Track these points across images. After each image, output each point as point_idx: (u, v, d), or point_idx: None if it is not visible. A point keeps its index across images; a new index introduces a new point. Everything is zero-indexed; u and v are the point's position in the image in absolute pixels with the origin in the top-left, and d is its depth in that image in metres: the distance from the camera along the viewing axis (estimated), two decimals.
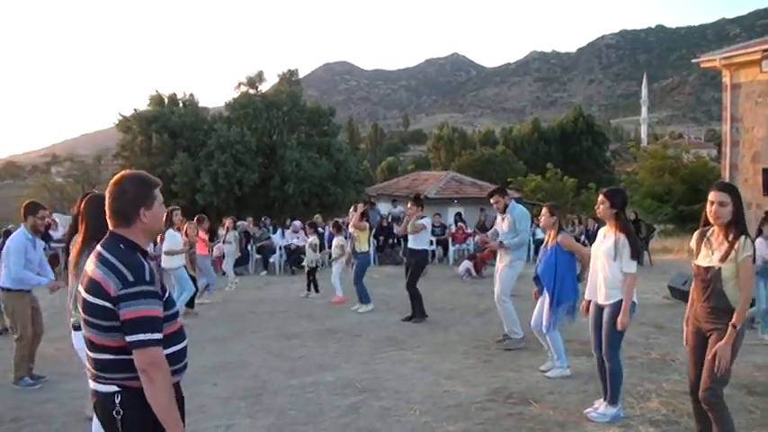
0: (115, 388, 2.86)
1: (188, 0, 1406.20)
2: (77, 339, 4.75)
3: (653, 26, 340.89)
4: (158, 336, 2.80)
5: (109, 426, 2.91)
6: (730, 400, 6.14)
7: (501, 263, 8.58)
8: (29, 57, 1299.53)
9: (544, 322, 7.05)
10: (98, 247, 2.98)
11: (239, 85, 37.39)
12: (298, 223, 19.08)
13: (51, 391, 6.81)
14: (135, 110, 34.71)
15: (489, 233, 9.22)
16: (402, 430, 5.59)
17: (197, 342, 7.63)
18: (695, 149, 34.87)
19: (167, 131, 32.84)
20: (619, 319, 5.56)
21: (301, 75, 40.70)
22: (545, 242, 7.30)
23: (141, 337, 2.75)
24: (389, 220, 20.47)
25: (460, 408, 6.11)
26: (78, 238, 4.81)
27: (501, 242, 8.58)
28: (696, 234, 4.69)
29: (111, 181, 3.05)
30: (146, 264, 2.91)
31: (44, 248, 17.07)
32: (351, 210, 12.20)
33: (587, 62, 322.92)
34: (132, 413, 2.85)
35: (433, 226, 20.88)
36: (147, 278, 2.86)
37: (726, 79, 19.86)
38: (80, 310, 2.93)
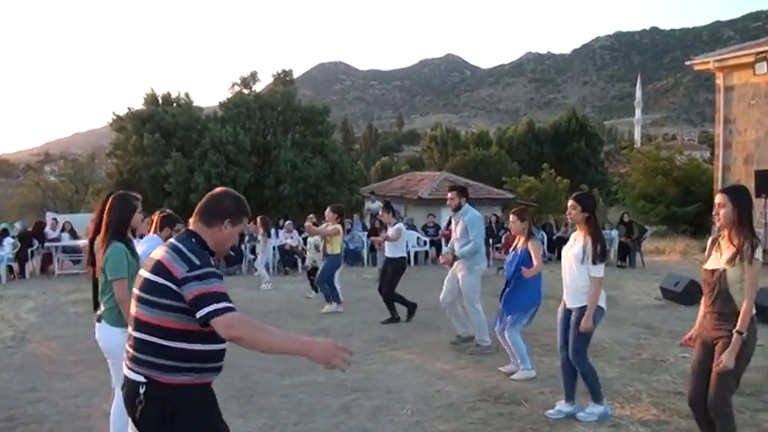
0: (142, 378, 2.96)
1: (183, 0, 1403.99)
2: (98, 330, 4.90)
3: (647, 28, 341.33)
4: (230, 304, 2.87)
5: (132, 411, 3.02)
6: None
7: (460, 271, 8.44)
8: (22, 55, 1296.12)
9: (506, 326, 7.14)
10: (171, 240, 3.17)
11: (233, 85, 37.39)
12: (290, 223, 19.09)
13: (44, 391, 6.80)
14: (129, 109, 34.67)
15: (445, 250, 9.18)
16: (394, 430, 5.62)
17: None
18: (689, 151, 34.96)
19: (161, 131, 32.79)
20: (582, 322, 5.57)
21: (296, 74, 40.71)
22: (513, 246, 7.35)
23: (213, 306, 2.83)
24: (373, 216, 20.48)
25: (452, 407, 6.14)
26: (101, 234, 4.89)
27: (455, 255, 8.52)
28: (709, 242, 4.68)
29: (220, 189, 3.35)
30: (211, 258, 3.09)
31: (36, 248, 17.20)
32: (327, 211, 11.71)
33: (582, 63, 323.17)
34: (153, 406, 2.93)
35: (427, 226, 20.97)
36: (213, 264, 3.02)
37: (719, 81, 19.96)
38: (135, 289, 3.08)
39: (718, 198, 4.50)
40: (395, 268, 10.47)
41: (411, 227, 19.27)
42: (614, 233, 18.60)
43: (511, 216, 7.39)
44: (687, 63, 21.89)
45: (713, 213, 4.58)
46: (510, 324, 7.13)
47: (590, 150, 58.80)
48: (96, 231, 5.62)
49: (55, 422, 5.90)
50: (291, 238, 18.24)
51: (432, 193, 28.74)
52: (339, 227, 11.41)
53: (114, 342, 4.78)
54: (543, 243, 19.85)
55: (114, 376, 4.91)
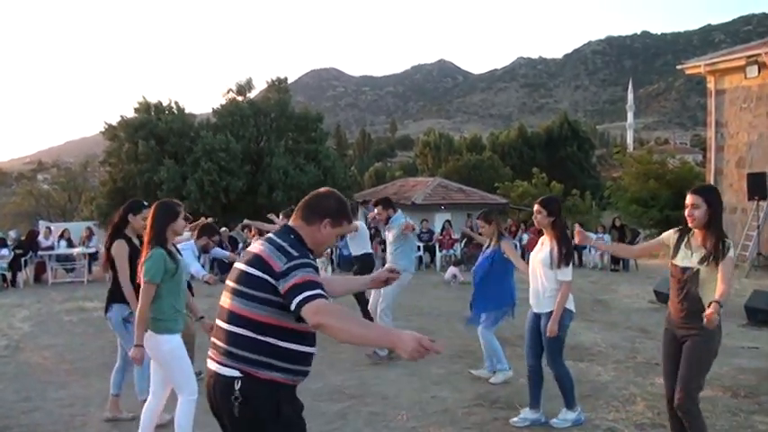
0: (237, 373, 2.93)
1: (174, 7, 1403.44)
2: (144, 339, 4.83)
3: (638, 32, 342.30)
4: (321, 291, 2.86)
5: (226, 409, 2.98)
6: (714, 402, 6.22)
7: None
8: (14, 64, 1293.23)
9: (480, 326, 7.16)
10: (269, 234, 3.19)
11: (228, 91, 37.29)
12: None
13: (39, 400, 6.77)
14: (122, 116, 34.58)
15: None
16: None
17: None
18: (681, 155, 35.11)
19: (154, 138, 32.72)
20: (549, 326, 5.54)
21: (288, 81, 40.62)
22: (483, 249, 7.34)
23: (306, 293, 2.82)
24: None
25: (447, 413, 6.15)
26: (145, 240, 4.95)
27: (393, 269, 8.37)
28: (674, 232, 4.65)
29: (326, 189, 3.40)
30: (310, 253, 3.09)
31: (30, 257, 17.14)
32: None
33: (573, 68, 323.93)
34: (249, 400, 2.92)
35: (421, 231, 20.99)
36: (310, 257, 3.04)
37: (710, 85, 20.05)
38: (230, 282, 3.08)
39: (690, 198, 4.47)
40: (361, 266, 10.19)
41: None
42: (607, 237, 18.65)
43: (478, 221, 7.39)
44: (678, 67, 21.98)
45: (685, 214, 4.54)
46: (482, 324, 7.13)
47: (582, 155, 58.87)
48: (113, 239, 5.82)
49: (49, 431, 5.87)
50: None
51: (425, 199, 28.80)
52: None
53: (162, 349, 4.82)
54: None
55: (175, 382, 4.93)
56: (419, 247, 19.99)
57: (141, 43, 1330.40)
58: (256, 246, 3.12)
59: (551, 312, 5.59)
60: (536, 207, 5.75)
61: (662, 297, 11.82)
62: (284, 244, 3.02)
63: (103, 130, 34.64)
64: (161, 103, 35.18)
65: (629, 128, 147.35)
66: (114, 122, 34.51)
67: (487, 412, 6.11)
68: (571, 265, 5.63)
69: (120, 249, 5.75)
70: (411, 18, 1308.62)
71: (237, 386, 2.91)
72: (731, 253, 4.35)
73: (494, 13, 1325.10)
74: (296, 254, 2.96)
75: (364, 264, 10.24)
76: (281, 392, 3.00)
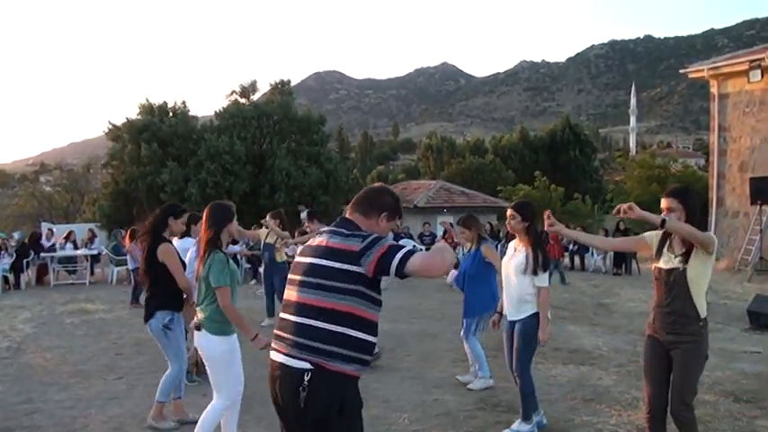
0: (308, 366, 2.97)
1: (177, 9, 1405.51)
2: (198, 338, 4.93)
3: (641, 36, 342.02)
4: (409, 247, 3.05)
5: (292, 402, 3.02)
6: (716, 406, 6.21)
7: None
8: (17, 66, 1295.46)
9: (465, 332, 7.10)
10: (330, 228, 3.29)
11: (231, 93, 37.37)
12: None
13: (40, 402, 6.77)
14: (127, 118, 34.62)
15: None
16: None
17: None
18: (683, 159, 35.10)
19: (157, 140, 32.76)
20: (540, 334, 5.46)
21: (291, 83, 40.65)
22: (464, 254, 7.31)
23: (400, 254, 2.98)
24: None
25: (449, 416, 6.13)
26: (202, 243, 4.98)
27: None
28: (657, 233, 4.50)
29: (379, 184, 3.65)
30: None
31: (32, 258, 17.14)
32: (268, 218, 11.14)
33: (576, 72, 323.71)
34: (318, 393, 2.96)
35: (423, 234, 21.02)
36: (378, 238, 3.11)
37: (713, 89, 20.07)
38: (295, 275, 3.18)
39: (665, 202, 4.36)
40: None
41: (408, 235, 19.27)
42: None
43: (457, 227, 7.35)
44: (681, 71, 21.99)
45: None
46: (465, 330, 7.09)
47: (585, 158, 58.79)
48: (147, 239, 5.90)
49: None
50: (287, 246, 18.18)
51: (428, 202, 28.84)
52: (287, 233, 10.95)
53: (216, 349, 4.86)
54: None
55: (215, 383, 4.96)
56: (421, 249, 20.05)
57: (145, 45, 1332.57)
58: (322, 239, 3.19)
59: (524, 319, 5.52)
60: (509, 212, 5.72)
61: None
62: (349, 232, 3.13)
63: (107, 130, 34.71)
64: (165, 105, 35.24)
65: (631, 132, 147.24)
66: (118, 123, 34.59)
67: (489, 416, 6.10)
68: (548, 271, 5.58)
69: (167, 250, 5.84)
70: (414, 21, 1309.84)
71: (307, 378, 2.96)
72: (711, 238, 4.26)
73: (497, 17, 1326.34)
74: (365, 233, 3.10)
75: None
76: (349, 386, 3.06)
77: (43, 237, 18.59)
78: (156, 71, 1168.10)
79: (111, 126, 34.69)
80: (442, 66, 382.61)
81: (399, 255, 2.96)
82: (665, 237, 4.43)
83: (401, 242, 8.29)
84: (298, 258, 3.28)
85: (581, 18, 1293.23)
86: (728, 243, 19.22)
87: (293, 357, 3.02)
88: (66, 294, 14.95)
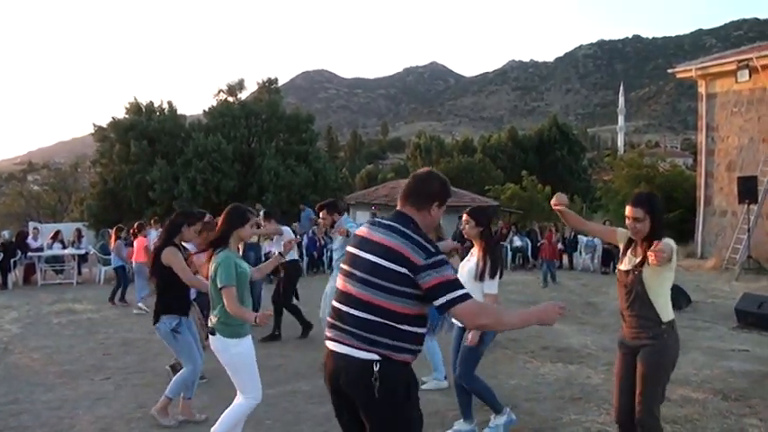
0: (376, 356, 3.05)
1: (165, 8, 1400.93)
2: (213, 342, 4.93)
3: (630, 36, 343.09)
4: (466, 291, 3.06)
5: (361, 391, 3.09)
6: (705, 405, 6.23)
7: (332, 281, 7.96)
8: (3, 64, 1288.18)
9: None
10: (385, 221, 3.28)
11: (219, 92, 37.33)
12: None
13: (27, 402, 6.73)
14: (113, 118, 34.48)
15: None
16: None
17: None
18: (671, 158, 35.17)
19: (145, 138, 32.68)
20: (469, 336, 5.42)
21: (280, 82, 40.63)
22: None
23: (452, 295, 3.00)
24: None
25: (437, 415, 6.12)
26: (209, 242, 5.03)
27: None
28: (627, 235, 4.42)
29: (424, 170, 3.48)
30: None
31: (19, 258, 17.04)
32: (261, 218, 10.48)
33: (565, 71, 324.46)
34: (389, 381, 3.04)
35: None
36: (440, 250, 3.14)
37: (701, 89, 20.15)
38: (353, 269, 3.20)
39: (630, 211, 4.24)
40: (286, 275, 9.88)
41: None
42: (597, 240, 18.68)
43: None
44: (670, 71, 22.08)
45: (628, 226, 4.31)
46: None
47: (573, 158, 58.95)
48: (166, 244, 5.94)
49: None
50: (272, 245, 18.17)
51: None
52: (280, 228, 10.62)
53: (231, 352, 4.87)
54: (528, 249, 20.01)
55: (239, 384, 4.99)
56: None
57: (133, 44, 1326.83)
58: (381, 236, 3.18)
59: None
60: (464, 217, 5.67)
61: None
62: (415, 236, 3.11)
63: (93, 131, 34.56)
64: (152, 104, 35.15)
65: (619, 131, 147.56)
66: (104, 124, 34.46)
67: (478, 415, 6.09)
68: (497, 278, 5.49)
69: (171, 253, 5.88)
70: (403, 20, 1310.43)
71: (376, 368, 3.03)
72: (671, 242, 4.18)
73: (486, 17, 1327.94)
74: (432, 249, 3.07)
75: (288, 272, 9.89)
76: (411, 372, 3.18)
77: (30, 236, 18.45)
78: (144, 70, 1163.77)
79: (96, 127, 34.55)
80: (431, 65, 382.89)
81: (452, 295, 3.01)
82: (631, 241, 4.38)
83: None
84: (353, 250, 3.29)
85: (569, 18, 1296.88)
86: (716, 242, 19.30)
87: (359, 349, 3.09)
88: (54, 294, 14.87)
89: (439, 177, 3.40)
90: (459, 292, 3.02)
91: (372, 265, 3.12)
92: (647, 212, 4.20)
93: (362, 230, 3.34)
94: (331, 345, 3.21)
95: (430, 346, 6.98)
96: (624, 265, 4.36)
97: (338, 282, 3.33)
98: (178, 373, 6.04)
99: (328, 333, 3.26)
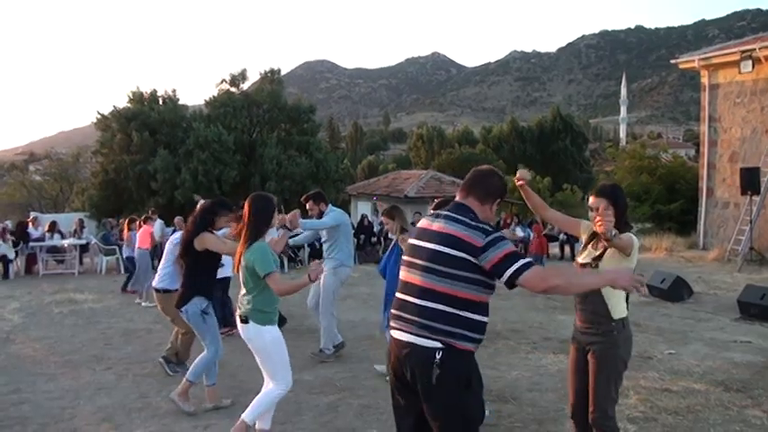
0: (439, 345, 3.14)
1: None
2: (245, 330, 4.98)
3: (632, 27, 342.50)
4: (529, 259, 3.17)
5: (423, 377, 3.18)
6: (707, 396, 6.21)
7: (324, 272, 7.77)
8: (5, 55, 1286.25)
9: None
10: (444, 212, 3.36)
11: (222, 81, 37.24)
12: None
13: (28, 392, 6.72)
14: (114, 107, 34.44)
15: None
16: (381, 428, 5.59)
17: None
18: (674, 149, 35.07)
19: (147, 129, 32.62)
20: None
21: (281, 72, 40.52)
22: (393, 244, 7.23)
23: (515, 266, 3.08)
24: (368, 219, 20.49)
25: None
26: (243, 236, 4.99)
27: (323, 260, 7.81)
28: (590, 227, 4.27)
29: (487, 166, 3.64)
30: None
31: (21, 248, 17.02)
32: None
33: (567, 62, 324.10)
34: (450, 369, 3.13)
35: (413, 224, 20.97)
36: (499, 231, 3.25)
37: (704, 80, 20.07)
38: (415, 259, 3.31)
39: (594, 201, 4.13)
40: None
41: None
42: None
43: (382, 218, 7.31)
44: (673, 61, 21.98)
45: (590, 218, 4.16)
46: (385, 322, 7.01)
47: (575, 149, 58.94)
48: (194, 233, 5.99)
49: (39, 424, 5.81)
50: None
51: (418, 192, 28.78)
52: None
53: (266, 339, 4.94)
54: (530, 240, 19.98)
55: (269, 371, 5.05)
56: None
57: (135, 34, 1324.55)
58: (438, 225, 3.28)
59: None
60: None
61: (655, 291, 11.82)
62: (472, 222, 3.22)
63: (96, 120, 34.50)
64: (155, 93, 35.08)
65: (622, 122, 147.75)
66: (107, 113, 34.38)
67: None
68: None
69: (205, 238, 5.98)
70: (405, 10, 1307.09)
71: (438, 356, 3.12)
72: (632, 236, 4.03)
73: (488, 7, 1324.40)
74: (489, 229, 3.19)
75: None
76: (472, 362, 3.26)
77: (30, 225, 18.42)
78: (145, 60, 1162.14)
79: (99, 116, 34.50)
80: (433, 55, 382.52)
81: (516, 265, 3.08)
82: (595, 234, 4.20)
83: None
84: (416, 242, 3.36)
85: (572, 8, 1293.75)
86: (718, 233, 19.26)
87: (422, 337, 3.17)
88: (55, 284, 14.87)
89: (501, 176, 3.56)
90: (522, 261, 3.09)
91: (433, 252, 3.21)
92: (611, 203, 4.08)
93: (423, 222, 3.46)
94: (395, 333, 3.34)
95: (388, 338, 6.93)
96: (583, 257, 4.23)
97: (401, 273, 3.42)
98: (199, 357, 6.06)
99: (393, 323, 3.37)
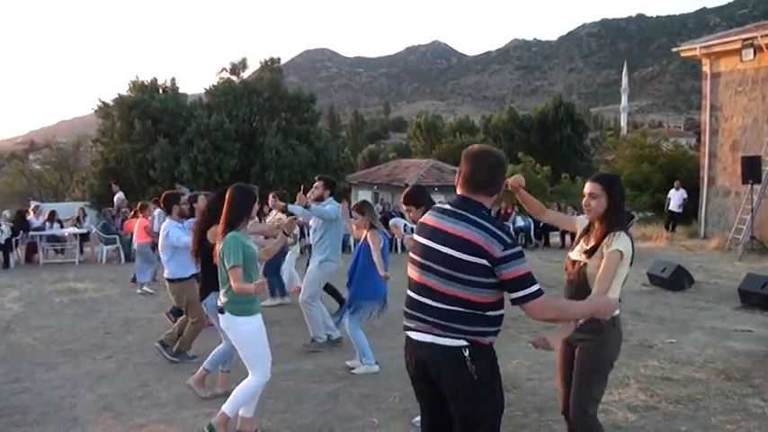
0: (464, 342, 3.15)
1: None
2: (223, 320, 5.08)
3: (633, 15, 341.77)
4: (539, 287, 3.14)
5: (449, 376, 3.21)
6: (708, 385, 6.22)
7: (312, 262, 8.03)
8: (5, 44, 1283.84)
9: (346, 321, 7.01)
10: (450, 208, 3.29)
11: (222, 70, 37.10)
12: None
13: (28, 381, 6.72)
14: (118, 94, 34.32)
15: None
16: (381, 417, 5.59)
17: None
18: (675, 138, 34.96)
19: (148, 117, 32.54)
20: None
21: (282, 61, 40.41)
22: (363, 238, 7.14)
23: (527, 290, 3.09)
24: None
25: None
26: (220, 226, 5.06)
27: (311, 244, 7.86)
28: (584, 223, 4.26)
29: (495, 157, 3.36)
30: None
31: (21, 237, 16.99)
32: (272, 199, 10.53)
33: (568, 50, 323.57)
34: (483, 364, 3.19)
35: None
36: (516, 240, 3.26)
37: (706, 68, 20.02)
38: (426, 260, 3.25)
39: (589, 187, 4.06)
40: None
41: (399, 214, 19.21)
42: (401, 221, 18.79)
43: (353, 212, 7.27)
44: (674, 50, 21.92)
45: (583, 204, 4.11)
46: (349, 315, 6.99)
47: (576, 137, 58.68)
48: (208, 223, 5.94)
49: (39, 413, 5.82)
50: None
51: (419, 181, 28.78)
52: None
53: (242, 330, 4.96)
54: (530, 229, 19.98)
55: (248, 362, 5.06)
56: (411, 228, 20.02)
57: (135, 23, 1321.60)
58: (452, 226, 3.20)
59: None
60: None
61: (655, 280, 11.83)
62: (491, 227, 3.14)
63: (97, 107, 34.41)
64: (155, 81, 34.98)
65: (623, 111, 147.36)
66: (109, 100, 34.30)
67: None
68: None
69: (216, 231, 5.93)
70: None
71: (466, 353, 3.14)
72: (621, 246, 3.90)
73: None
74: (509, 240, 3.12)
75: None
76: (494, 353, 3.28)
77: (30, 214, 18.37)
78: (145, 48, 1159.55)
79: (100, 103, 34.41)
80: (434, 44, 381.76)
81: (528, 291, 3.09)
82: (588, 229, 4.18)
83: (392, 221, 8.28)
84: (424, 241, 3.30)
85: None
86: (719, 222, 19.25)
87: (445, 337, 3.17)
88: (56, 273, 14.86)
89: (504, 162, 3.47)
90: (533, 288, 3.09)
91: (450, 258, 3.15)
92: (605, 191, 3.99)
93: (429, 219, 3.35)
94: (414, 335, 3.30)
95: (354, 335, 6.94)
96: (574, 253, 4.17)
97: (411, 272, 3.37)
98: (217, 348, 6.09)
99: (408, 323, 3.33)
